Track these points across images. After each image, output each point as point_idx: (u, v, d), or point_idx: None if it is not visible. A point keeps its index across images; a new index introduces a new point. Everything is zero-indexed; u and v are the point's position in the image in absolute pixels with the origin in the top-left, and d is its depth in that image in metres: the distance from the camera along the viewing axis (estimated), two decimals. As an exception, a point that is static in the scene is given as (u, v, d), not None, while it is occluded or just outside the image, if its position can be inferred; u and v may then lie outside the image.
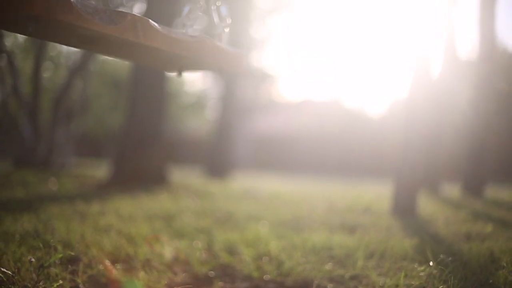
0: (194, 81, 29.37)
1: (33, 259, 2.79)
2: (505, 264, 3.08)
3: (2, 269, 2.64)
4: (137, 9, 11.23)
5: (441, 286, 2.70)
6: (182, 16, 2.68)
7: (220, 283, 2.98)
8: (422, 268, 3.03)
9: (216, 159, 16.96)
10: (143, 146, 8.95)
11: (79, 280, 2.79)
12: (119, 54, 2.76)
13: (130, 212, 5.14)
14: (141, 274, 2.94)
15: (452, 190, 9.52)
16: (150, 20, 2.43)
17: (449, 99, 10.05)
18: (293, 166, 28.23)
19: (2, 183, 7.41)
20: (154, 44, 2.45)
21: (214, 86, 24.48)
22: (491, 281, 2.77)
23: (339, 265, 3.26)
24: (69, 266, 2.90)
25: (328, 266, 3.19)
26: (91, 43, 2.54)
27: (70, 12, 2.15)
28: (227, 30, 2.73)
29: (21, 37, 12.79)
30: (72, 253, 3.20)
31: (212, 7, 2.76)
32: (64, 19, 2.14)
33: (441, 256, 3.23)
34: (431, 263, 3.08)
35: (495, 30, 9.17)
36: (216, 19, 2.74)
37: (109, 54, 2.80)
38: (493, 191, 9.86)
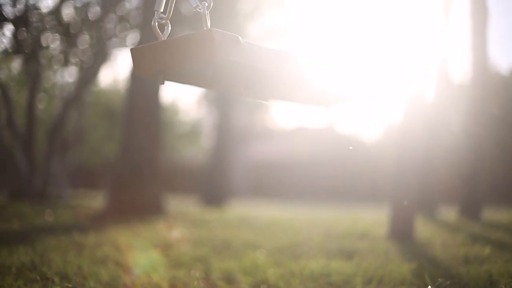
0: (189, 109, 29.43)
1: (30, 292, 2.78)
2: (503, 287, 3.08)
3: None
4: (131, 39, 11.28)
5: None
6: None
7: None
8: (421, 292, 3.03)
9: (212, 187, 16.94)
10: (139, 176, 8.94)
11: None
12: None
13: (127, 242, 5.12)
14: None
15: (449, 213, 9.51)
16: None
17: (442, 123, 10.07)
18: (289, 193, 28.20)
19: (-3, 216, 7.39)
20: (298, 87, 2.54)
21: (209, 114, 24.54)
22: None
23: (338, 291, 3.25)
24: (67, 298, 2.89)
25: (327, 293, 3.18)
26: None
27: (241, 52, 2.24)
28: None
29: (15, 69, 12.83)
30: (70, 285, 3.19)
31: None
32: (238, 59, 2.23)
33: (440, 280, 3.23)
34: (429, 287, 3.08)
35: (487, 53, 9.23)
36: None
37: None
38: (490, 213, 9.85)
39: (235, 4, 16.83)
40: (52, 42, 10.65)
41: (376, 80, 2.90)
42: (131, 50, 2.50)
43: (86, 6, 10.70)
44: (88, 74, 10.88)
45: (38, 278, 3.24)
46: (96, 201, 11.73)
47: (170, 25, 2.61)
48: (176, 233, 5.66)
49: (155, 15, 2.57)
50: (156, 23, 2.57)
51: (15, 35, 9.52)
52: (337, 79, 2.78)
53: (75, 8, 10.72)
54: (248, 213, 10.04)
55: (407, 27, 6.16)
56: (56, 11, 10.18)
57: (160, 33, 2.58)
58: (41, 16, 9.91)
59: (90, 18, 10.73)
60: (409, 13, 6.20)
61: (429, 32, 9.21)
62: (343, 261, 4.15)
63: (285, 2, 18.97)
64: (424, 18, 6.45)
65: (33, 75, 10.28)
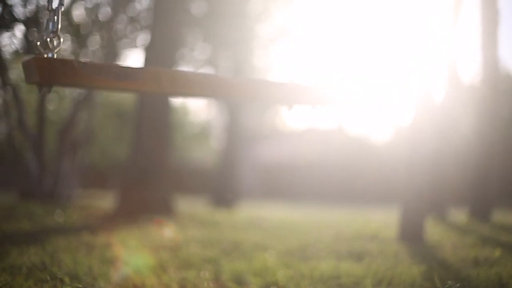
0: (199, 111, 29.47)
1: (40, 292, 2.78)
2: (514, 289, 3.07)
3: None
4: (142, 40, 11.31)
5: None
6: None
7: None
8: (431, 294, 3.02)
9: (222, 188, 16.96)
10: (149, 177, 8.95)
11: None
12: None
13: (137, 243, 5.13)
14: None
15: (459, 215, 9.48)
16: (179, 70, 2.53)
17: (452, 125, 10.04)
18: (298, 194, 28.17)
19: (8, 216, 7.41)
20: (187, 92, 2.54)
21: (219, 115, 24.57)
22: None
23: (347, 293, 3.24)
24: (77, 298, 2.90)
25: (336, 295, 3.17)
26: None
27: (74, 75, 2.29)
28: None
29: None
30: (80, 286, 3.20)
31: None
32: (70, 82, 2.29)
33: (449, 282, 3.22)
34: (439, 290, 3.07)
35: (498, 54, 9.19)
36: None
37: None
38: (500, 216, 9.82)
39: (244, 5, 16.85)
40: (63, 42, 10.68)
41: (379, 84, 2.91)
42: (22, 62, 2.56)
43: (96, 7, 10.73)
44: (98, 75, 10.88)
45: (49, 278, 3.25)
46: (106, 201, 11.76)
47: (61, 39, 2.65)
48: (169, 232, 5.68)
49: (46, 32, 2.60)
50: (48, 39, 2.58)
51: (26, 36, 9.56)
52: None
53: (86, 9, 10.76)
54: (258, 215, 10.03)
55: (417, 28, 6.15)
56: (67, 12, 10.21)
57: (51, 47, 2.58)
58: (52, 17, 9.93)
59: (100, 19, 10.77)
60: (419, 14, 6.19)
61: (439, 32, 9.18)
62: (353, 263, 4.14)
63: (294, 3, 18.97)
64: (433, 19, 6.44)
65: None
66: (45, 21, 2.63)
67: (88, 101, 11.41)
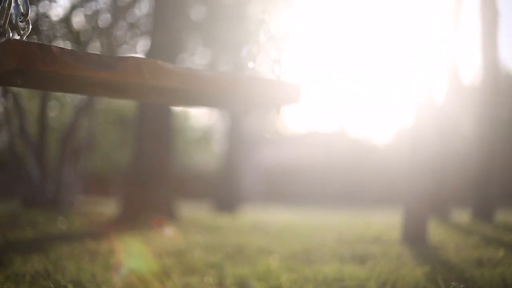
0: (200, 115, 29.47)
1: (45, 300, 2.79)
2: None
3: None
4: (141, 45, 11.33)
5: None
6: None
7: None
8: (435, 296, 3.02)
9: (224, 193, 16.96)
10: (151, 182, 8.95)
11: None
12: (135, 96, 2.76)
13: (140, 248, 5.13)
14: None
15: (462, 216, 9.48)
16: (159, 61, 2.43)
17: (453, 126, 10.04)
18: (301, 197, 28.17)
19: (11, 223, 7.42)
20: (167, 84, 2.46)
21: (221, 120, 24.60)
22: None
23: (351, 296, 3.24)
24: (81, 305, 2.90)
25: (340, 298, 3.17)
26: (105, 89, 2.56)
27: (53, 62, 2.16)
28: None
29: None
30: (83, 292, 3.20)
31: None
32: (49, 70, 2.14)
33: (453, 283, 3.22)
34: (443, 291, 3.07)
35: (498, 55, 9.19)
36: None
37: (127, 97, 2.81)
38: (503, 216, 9.81)
39: (244, 9, 16.85)
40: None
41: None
42: None
43: (96, 13, 10.74)
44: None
45: (52, 286, 3.25)
46: (108, 207, 11.76)
47: (30, 24, 2.35)
48: (170, 232, 5.70)
49: (14, 14, 2.31)
50: (19, 22, 2.30)
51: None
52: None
53: (86, 15, 10.77)
54: (261, 219, 10.03)
55: (417, 29, 6.16)
56: (66, 19, 10.23)
57: (20, 31, 2.30)
58: (52, 24, 9.96)
59: (100, 26, 10.78)
60: (419, 15, 6.19)
61: (439, 34, 9.19)
62: (356, 266, 4.14)
63: (295, 6, 18.95)
64: (434, 20, 6.45)
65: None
66: (5, 4, 2.31)
67: (89, 108, 11.42)
